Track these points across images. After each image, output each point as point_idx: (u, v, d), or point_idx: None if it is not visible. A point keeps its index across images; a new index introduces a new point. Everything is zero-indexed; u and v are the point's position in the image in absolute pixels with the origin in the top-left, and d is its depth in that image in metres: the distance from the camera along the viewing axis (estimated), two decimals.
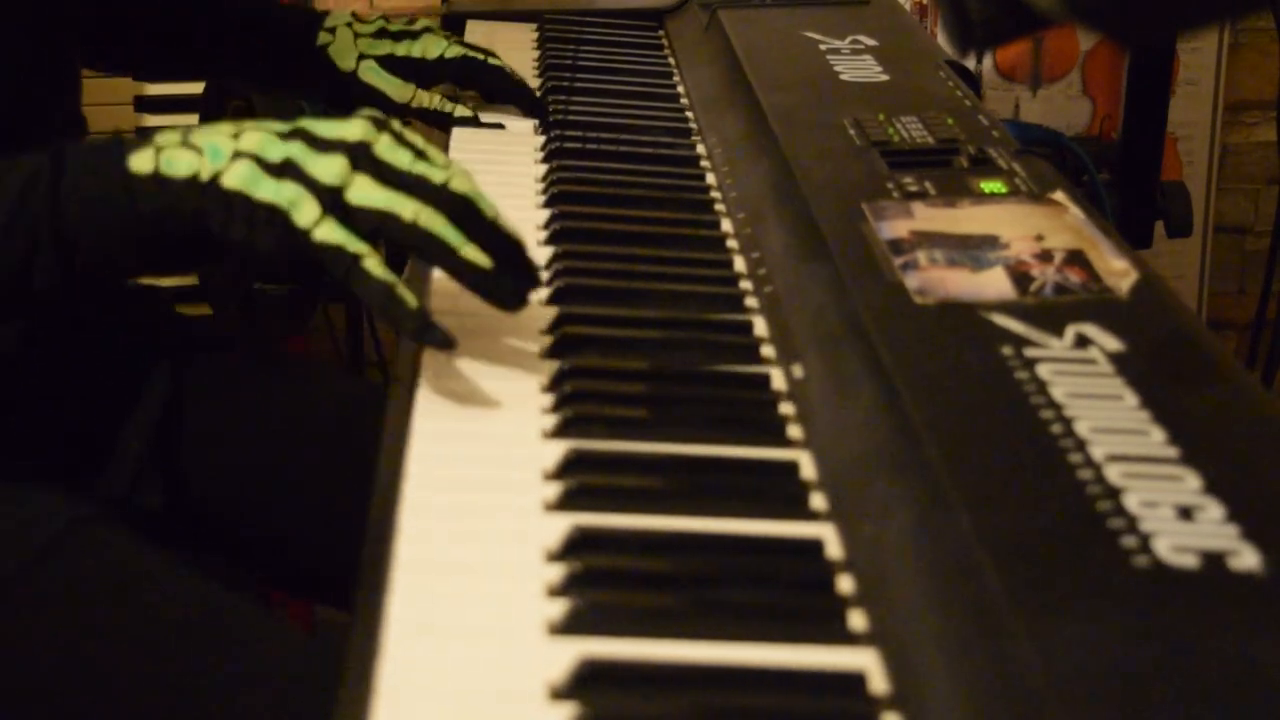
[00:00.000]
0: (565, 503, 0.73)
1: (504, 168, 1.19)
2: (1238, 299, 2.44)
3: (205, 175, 0.82)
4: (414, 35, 1.25)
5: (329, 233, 0.80)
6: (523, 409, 0.81)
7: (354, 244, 0.80)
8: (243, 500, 1.15)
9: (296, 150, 0.82)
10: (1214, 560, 0.60)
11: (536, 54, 1.47)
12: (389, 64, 1.24)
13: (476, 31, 1.55)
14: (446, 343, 0.81)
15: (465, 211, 0.82)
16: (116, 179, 0.83)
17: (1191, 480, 0.65)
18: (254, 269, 1.56)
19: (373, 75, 1.23)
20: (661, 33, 1.55)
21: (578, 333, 0.89)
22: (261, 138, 0.83)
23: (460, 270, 0.82)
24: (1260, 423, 0.71)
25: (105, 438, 1.11)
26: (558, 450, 0.76)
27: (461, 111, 1.24)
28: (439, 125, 1.25)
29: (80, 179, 0.84)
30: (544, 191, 1.12)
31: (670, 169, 1.18)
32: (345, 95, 1.25)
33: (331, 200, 0.80)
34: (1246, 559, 0.60)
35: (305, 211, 0.80)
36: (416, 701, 0.60)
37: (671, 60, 1.46)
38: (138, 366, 1.14)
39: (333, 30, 1.24)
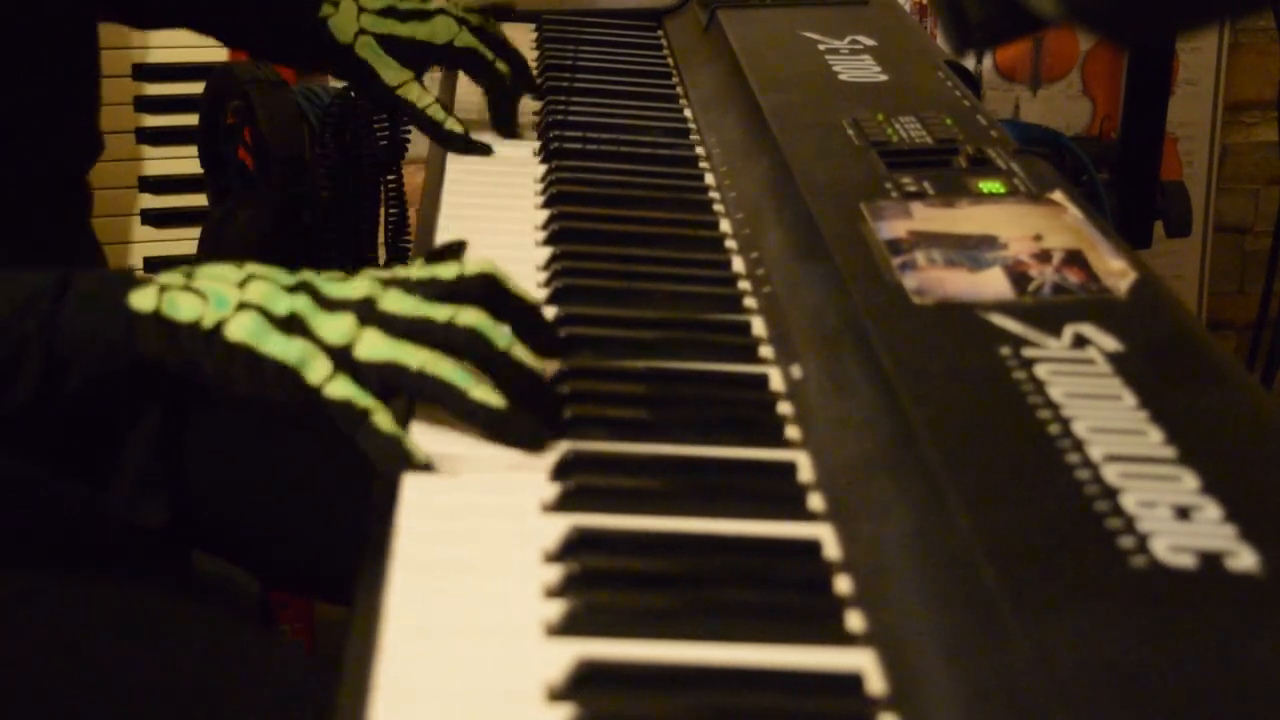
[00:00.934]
0: (564, 503, 0.73)
1: (504, 168, 1.19)
2: (1238, 299, 2.44)
3: (208, 323, 0.80)
4: (424, 16, 1.22)
5: (339, 389, 0.78)
6: None
7: (363, 399, 0.78)
8: (243, 500, 1.15)
9: (303, 306, 0.80)
10: (1211, 560, 0.60)
11: (536, 54, 1.47)
12: (392, 44, 1.21)
13: None
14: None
15: (477, 346, 0.79)
16: (117, 313, 0.82)
17: (1189, 480, 0.65)
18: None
19: (369, 52, 1.21)
20: (661, 33, 1.55)
21: (577, 333, 0.89)
22: (267, 289, 0.81)
23: (473, 414, 0.78)
24: (1259, 423, 0.71)
25: (106, 444, 1.10)
26: (557, 451, 0.77)
27: (453, 126, 1.20)
28: (424, 128, 1.22)
29: (80, 307, 0.82)
30: (543, 192, 1.12)
31: (669, 169, 1.18)
32: (343, 70, 1.23)
33: (341, 357, 0.79)
34: (1244, 559, 0.60)
35: (317, 369, 0.79)
36: (415, 702, 0.60)
37: (671, 60, 1.46)
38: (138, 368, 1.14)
39: (336, 3, 1.21)
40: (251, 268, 0.83)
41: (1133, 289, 0.84)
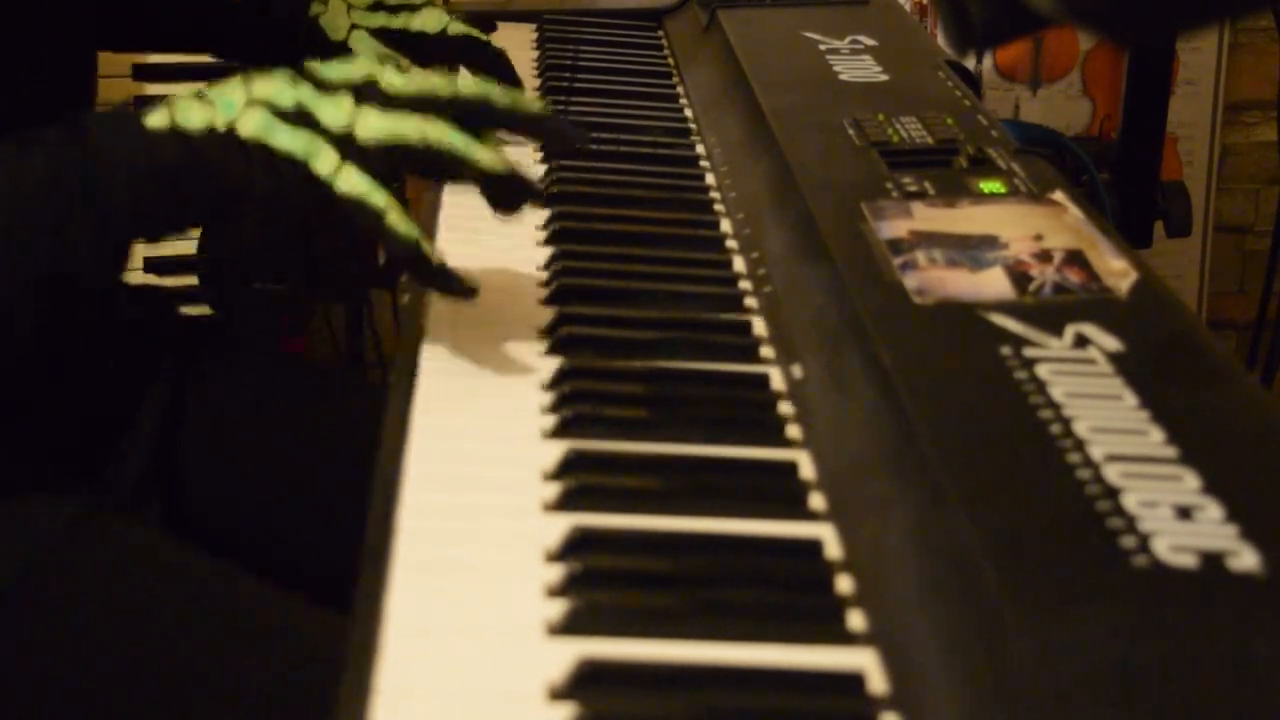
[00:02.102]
0: (564, 503, 0.73)
1: None
2: (1238, 299, 2.44)
3: (220, 125, 0.83)
4: (412, 8, 1.24)
5: (352, 182, 0.81)
6: (522, 409, 0.81)
7: (377, 196, 0.80)
8: (243, 501, 1.15)
9: (306, 95, 0.83)
10: (1213, 560, 0.60)
11: (536, 54, 1.47)
12: (385, 38, 1.23)
13: None
14: (469, 292, 0.83)
15: (481, 111, 0.83)
16: (137, 136, 0.84)
17: (1190, 480, 0.65)
18: (277, 232, 1.54)
19: (363, 45, 1.23)
20: (661, 33, 1.55)
21: (577, 333, 0.89)
22: (271, 85, 0.84)
23: (477, 177, 0.82)
24: (1259, 423, 0.72)
25: (107, 444, 1.11)
26: (557, 450, 0.76)
27: None
28: None
29: (103, 141, 0.84)
30: (544, 192, 1.12)
31: (669, 169, 1.18)
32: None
33: (345, 144, 0.81)
34: (1245, 559, 0.60)
35: (324, 160, 0.81)
36: (415, 702, 0.60)
37: (671, 60, 1.46)
38: (139, 369, 1.14)
39: (325, 1, 1.24)
40: (257, 73, 0.86)
41: (1133, 289, 0.84)
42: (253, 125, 0.82)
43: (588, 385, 0.83)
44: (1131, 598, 0.58)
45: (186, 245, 1.88)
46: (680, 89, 1.38)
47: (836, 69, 1.25)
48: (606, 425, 0.80)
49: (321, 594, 1.40)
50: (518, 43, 1.51)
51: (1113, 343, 0.77)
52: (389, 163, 0.81)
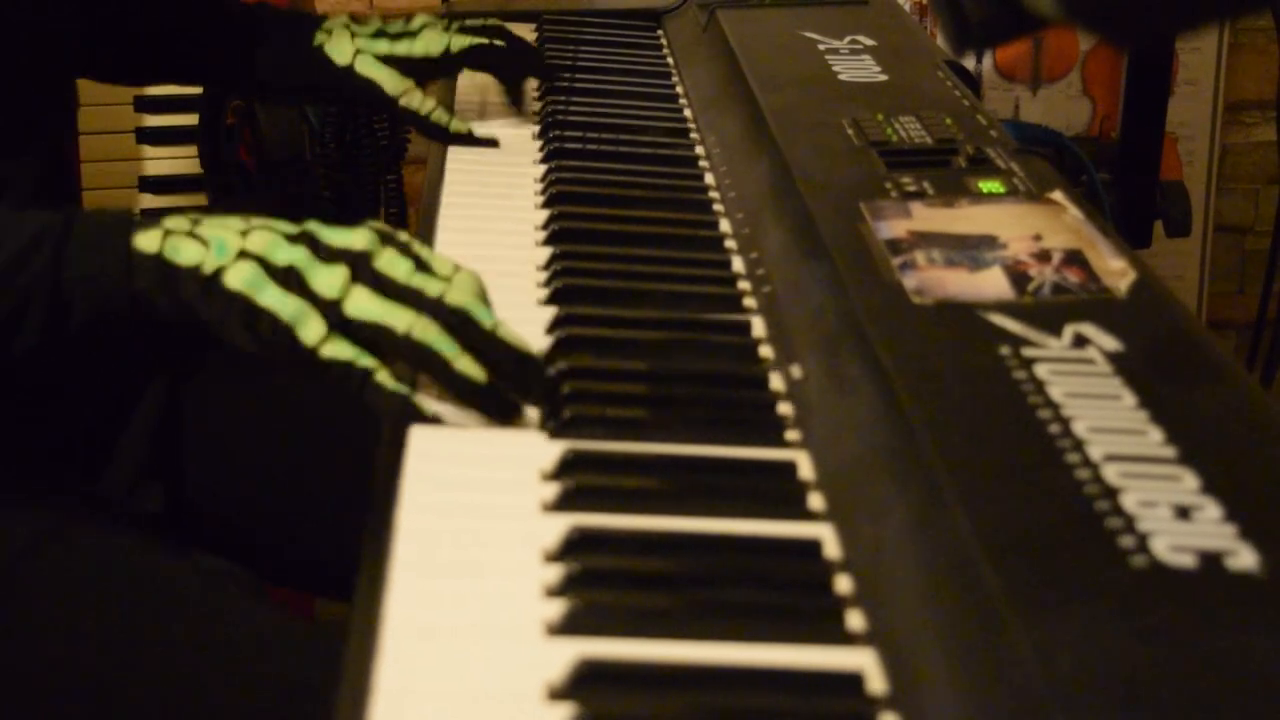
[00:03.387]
0: (564, 503, 0.73)
1: (504, 168, 1.19)
2: (1238, 299, 2.44)
3: (208, 269, 0.82)
4: (413, 34, 1.24)
5: (336, 349, 0.80)
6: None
7: (363, 358, 0.80)
8: (242, 499, 1.15)
9: (301, 258, 0.82)
10: (1211, 560, 0.60)
11: None
12: (390, 63, 1.23)
13: None
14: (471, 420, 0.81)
15: (463, 324, 0.81)
16: (119, 253, 0.83)
17: (1189, 480, 0.65)
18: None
19: (369, 66, 1.22)
20: (660, 33, 1.55)
21: (576, 333, 0.89)
22: (269, 239, 0.83)
23: (454, 384, 0.80)
24: (1258, 423, 0.71)
25: (105, 440, 1.11)
26: (556, 450, 0.77)
27: (457, 126, 1.23)
28: (430, 135, 1.23)
29: (85, 245, 0.84)
30: (543, 192, 1.12)
31: (669, 169, 1.18)
32: (341, 92, 1.25)
33: (333, 314, 0.80)
34: (1244, 558, 0.60)
35: (311, 329, 0.80)
36: (415, 702, 0.60)
37: (670, 60, 1.46)
38: (138, 367, 1.14)
39: (329, 31, 1.23)
40: (256, 219, 0.85)
41: (1133, 289, 0.84)
42: (241, 278, 0.81)
43: (587, 385, 0.83)
44: (1130, 597, 0.58)
45: None
46: (679, 89, 1.38)
47: (836, 69, 1.25)
48: (606, 425, 0.80)
49: (323, 590, 1.40)
50: None
51: (1112, 343, 0.77)
52: (369, 339, 0.80)
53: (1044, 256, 0.87)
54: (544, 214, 1.07)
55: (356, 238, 0.83)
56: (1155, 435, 0.69)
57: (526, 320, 0.90)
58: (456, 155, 1.21)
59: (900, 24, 1.44)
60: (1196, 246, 2.35)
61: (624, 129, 1.25)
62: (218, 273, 0.82)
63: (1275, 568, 0.60)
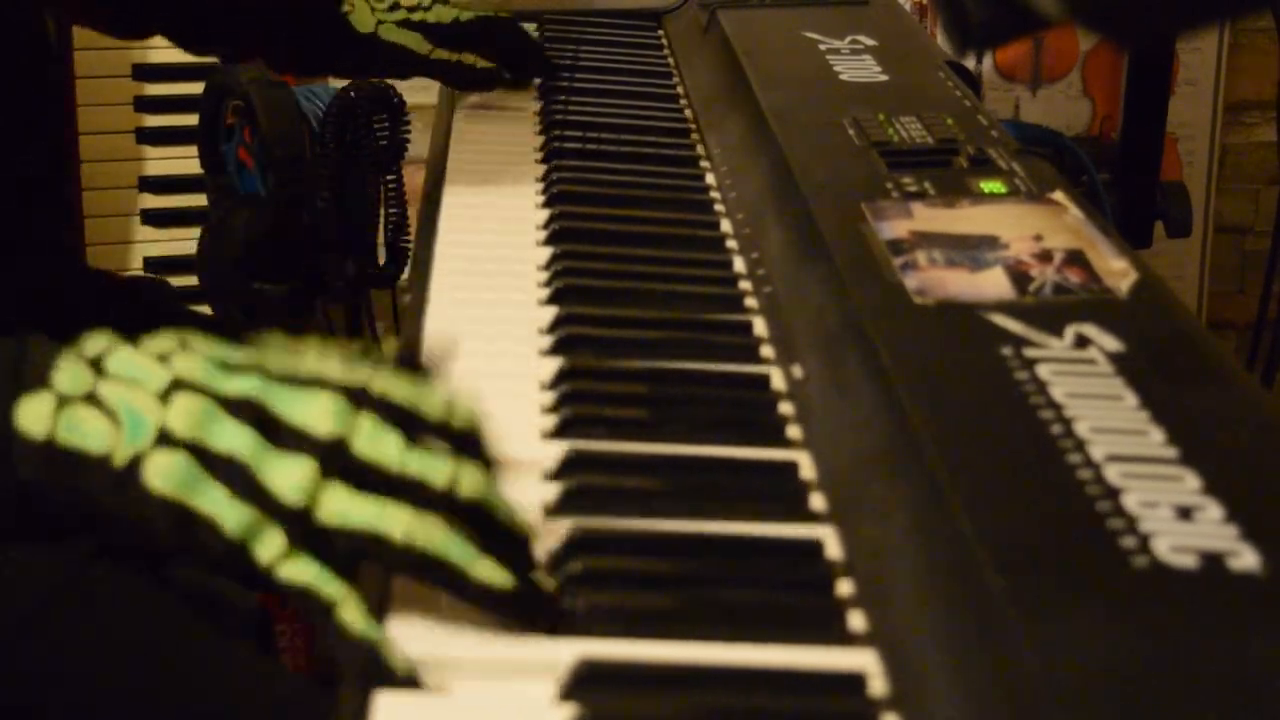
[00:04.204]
0: (564, 504, 0.73)
1: (504, 168, 1.19)
2: (1238, 299, 2.44)
3: (119, 459, 0.62)
4: (426, 7, 1.29)
5: (298, 571, 0.61)
6: (522, 409, 0.81)
7: (329, 586, 0.61)
8: None
9: (247, 444, 0.63)
10: (1213, 560, 0.60)
11: None
12: (407, 28, 1.28)
13: None
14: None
15: (475, 516, 0.64)
16: None
17: (1191, 480, 0.65)
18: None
19: (392, 32, 1.27)
20: (661, 33, 1.55)
21: (577, 333, 0.88)
22: (200, 411, 0.63)
23: (472, 596, 0.63)
24: (1259, 423, 0.71)
25: None
26: (557, 450, 0.76)
27: (484, 64, 1.29)
28: (459, 83, 1.31)
29: None
30: (544, 191, 1.12)
31: (670, 169, 1.18)
32: (367, 61, 1.29)
33: (298, 525, 0.62)
34: (1246, 559, 0.60)
35: (267, 544, 0.62)
36: (416, 702, 0.60)
37: (671, 60, 1.46)
38: None
39: (352, 4, 1.28)
40: (180, 363, 0.65)
41: (1134, 289, 0.83)
42: (165, 478, 0.62)
43: (588, 385, 0.83)
44: (1131, 598, 0.58)
45: (187, 245, 1.89)
46: (680, 89, 1.38)
47: (836, 69, 1.25)
48: (607, 425, 0.80)
49: None
50: None
51: (1113, 343, 0.77)
52: (351, 549, 0.62)
53: (1045, 257, 0.87)
54: (544, 214, 1.07)
55: (320, 413, 0.63)
56: (1157, 436, 0.69)
57: (527, 320, 0.91)
58: (457, 155, 1.21)
59: (901, 24, 1.44)
60: (1196, 246, 2.35)
61: (625, 129, 1.25)
62: (134, 464, 0.62)
63: (1276, 568, 0.60)
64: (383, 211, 1.56)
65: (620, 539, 0.70)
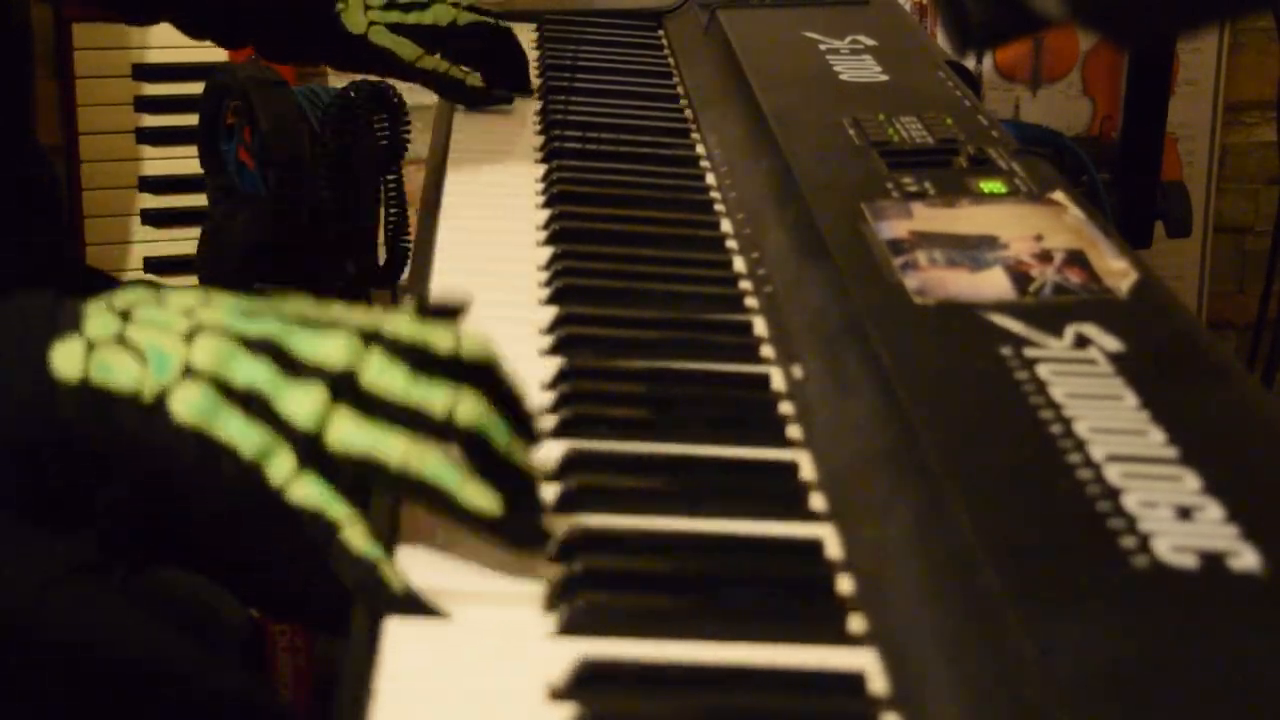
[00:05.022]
0: (564, 503, 0.73)
1: (504, 167, 1.19)
2: (1238, 299, 2.44)
3: (148, 394, 0.67)
4: (423, 6, 1.29)
5: (307, 492, 0.66)
6: None
7: (334, 508, 0.66)
8: (237, 530, 1.14)
9: (264, 377, 0.67)
10: (1213, 560, 0.60)
11: (536, 54, 1.47)
12: (400, 31, 1.28)
13: None
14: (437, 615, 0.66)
15: (474, 445, 0.68)
16: (35, 377, 0.68)
17: (1191, 480, 0.65)
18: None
19: (381, 36, 1.27)
20: (661, 33, 1.55)
21: (577, 333, 0.88)
22: (221, 349, 0.68)
23: (462, 519, 0.67)
24: (1260, 423, 0.71)
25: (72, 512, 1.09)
26: (557, 450, 0.76)
27: (474, 80, 1.29)
28: (447, 93, 1.30)
29: None
30: (544, 191, 1.12)
31: (670, 169, 1.18)
32: (356, 60, 1.30)
33: (308, 448, 0.67)
34: (1246, 559, 0.60)
35: (279, 465, 0.66)
36: (416, 702, 0.60)
37: (671, 60, 1.46)
38: None
39: (346, 2, 1.28)
40: (204, 313, 0.70)
41: (1134, 289, 0.83)
42: (190, 408, 0.67)
43: (588, 385, 0.83)
44: (1131, 598, 0.58)
45: (187, 245, 1.89)
46: (680, 89, 1.38)
47: (836, 69, 1.25)
48: (607, 425, 0.80)
49: (314, 624, 1.39)
50: None
51: (1113, 343, 0.77)
52: (356, 475, 0.67)
53: (1045, 257, 0.87)
54: (544, 214, 1.07)
55: (334, 346, 0.68)
56: (1157, 436, 0.69)
57: (527, 320, 0.91)
58: (457, 155, 1.21)
59: (901, 24, 1.44)
60: (1196, 246, 2.35)
61: (625, 129, 1.25)
62: (160, 398, 0.67)
63: (1276, 568, 0.60)
64: (383, 211, 1.56)
65: (620, 539, 0.70)
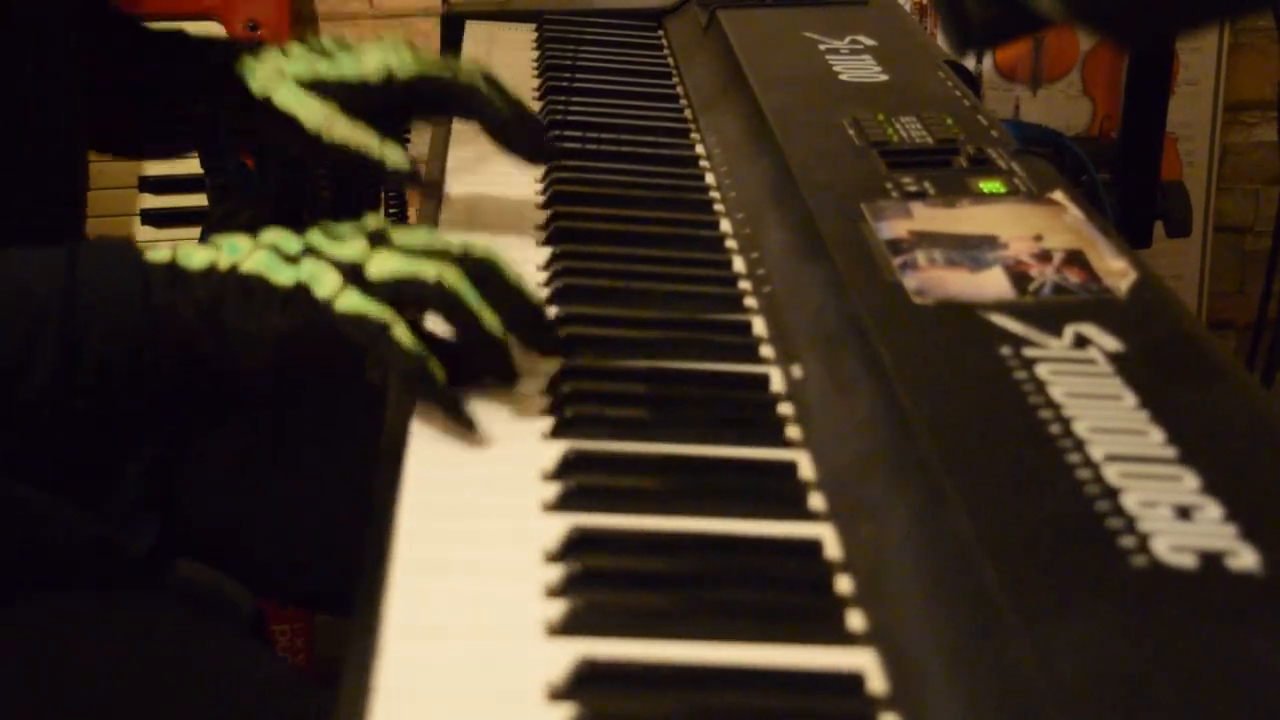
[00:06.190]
0: (564, 503, 0.73)
1: (504, 167, 1.19)
2: (1238, 299, 2.44)
3: (223, 265, 0.80)
4: (350, 50, 1.05)
5: (351, 302, 0.78)
6: (521, 409, 0.81)
7: (379, 311, 0.77)
8: (241, 520, 1.15)
9: (315, 238, 0.81)
10: (1212, 560, 0.60)
11: (536, 54, 1.47)
12: (321, 89, 1.04)
13: (476, 32, 1.55)
14: (470, 424, 0.79)
15: (488, 275, 0.81)
16: (132, 268, 0.80)
17: (1190, 480, 0.65)
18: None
19: (290, 96, 1.02)
20: (661, 33, 1.55)
21: (577, 333, 0.88)
22: (281, 234, 0.82)
23: (477, 336, 0.80)
24: (1259, 423, 0.71)
25: (107, 474, 1.10)
26: (557, 450, 0.77)
27: (395, 161, 1.01)
28: (367, 178, 1.08)
29: (95, 267, 0.80)
30: (544, 192, 1.12)
31: (669, 169, 1.18)
32: (264, 132, 1.05)
33: (352, 273, 0.79)
34: (1245, 558, 0.60)
35: (325, 283, 0.78)
36: (416, 702, 0.60)
37: (671, 60, 1.46)
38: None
39: (260, 55, 1.06)
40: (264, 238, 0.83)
41: (1133, 289, 0.84)
42: (256, 263, 0.80)
43: (587, 385, 0.83)
44: (1131, 597, 0.58)
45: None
46: (680, 89, 1.38)
47: (836, 69, 1.25)
48: (606, 425, 0.80)
49: (319, 606, 1.39)
50: (518, 43, 1.51)
51: (1112, 343, 0.77)
52: (394, 295, 0.78)
53: (1045, 257, 0.87)
54: (544, 214, 1.07)
55: (364, 223, 0.82)
56: (1156, 435, 0.69)
57: None
58: (457, 154, 1.21)
59: (900, 24, 1.44)
60: (1196, 246, 2.35)
61: (624, 129, 1.25)
62: (233, 266, 0.80)
63: (1276, 568, 0.60)
64: (383, 211, 1.56)
65: (620, 538, 0.70)
